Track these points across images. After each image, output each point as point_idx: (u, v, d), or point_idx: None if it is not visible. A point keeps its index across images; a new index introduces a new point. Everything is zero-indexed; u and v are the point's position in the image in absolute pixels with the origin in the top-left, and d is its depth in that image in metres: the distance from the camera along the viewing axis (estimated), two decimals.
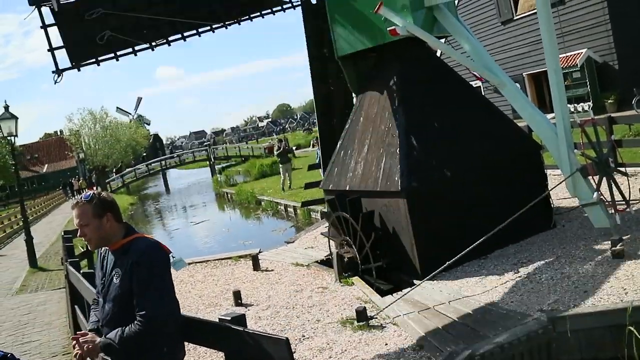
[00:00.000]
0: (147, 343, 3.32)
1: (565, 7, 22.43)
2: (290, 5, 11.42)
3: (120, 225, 3.51)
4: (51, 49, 9.03)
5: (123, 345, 3.26)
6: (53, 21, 8.94)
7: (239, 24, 10.91)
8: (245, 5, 10.93)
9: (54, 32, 9.00)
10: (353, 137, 9.95)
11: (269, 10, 11.19)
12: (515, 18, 25.65)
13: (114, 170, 48.86)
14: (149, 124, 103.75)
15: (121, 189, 56.21)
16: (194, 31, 10.29)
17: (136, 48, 9.77)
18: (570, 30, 22.01)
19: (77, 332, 3.43)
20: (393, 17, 8.60)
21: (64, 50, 9.11)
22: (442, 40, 9.72)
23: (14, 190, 64.58)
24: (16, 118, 17.93)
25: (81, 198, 3.47)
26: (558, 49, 8.12)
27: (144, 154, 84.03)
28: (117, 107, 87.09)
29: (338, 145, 10.36)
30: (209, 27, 10.44)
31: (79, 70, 9.34)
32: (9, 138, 18.49)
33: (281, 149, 27.61)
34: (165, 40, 10.13)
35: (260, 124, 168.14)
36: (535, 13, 16.78)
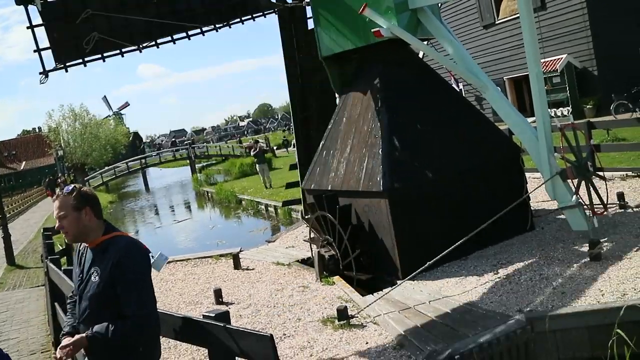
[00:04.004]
0: (129, 343, 3.30)
1: (547, 12, 22.71)
2: (271, 11, 11.29)
3: (99, 222, 3.50)
4: (38, 50, 8.83)
5: (112, 340, 3.23)
6: (40, 21, 8.83)
7: (230, 27, 10.79)
8: (225, 12, 10.74)
9: (40, 31, 8.89)
10: (336, 137, 9.98)
11: (249, 17, 10.98)
12: (496, 22, 25.91)
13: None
14: (123, 115, 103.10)
15: (100, 187, 55.68)
16: (184, 34, 10.17)
17: (123, 50, 9.64)
18: (550, 36, 22.27)
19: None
20: (377, 19, 8.64)
21: (49, 49, 8.99)
22: (425, 43, 9.79)
23: None
24: None
25: (62, 191, 3.47)
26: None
27: (123, 152, 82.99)
28: (104, 96, 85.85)
29: (320, 145, 10.39)
30: (199, 30, 10.34)
31: (66, 71, 9.25)
32: None
33: (257, 150, 28.09)
34: (154, 43, 9.98)
35: (241, 124, 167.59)
36: (516, 18, 16.98)
